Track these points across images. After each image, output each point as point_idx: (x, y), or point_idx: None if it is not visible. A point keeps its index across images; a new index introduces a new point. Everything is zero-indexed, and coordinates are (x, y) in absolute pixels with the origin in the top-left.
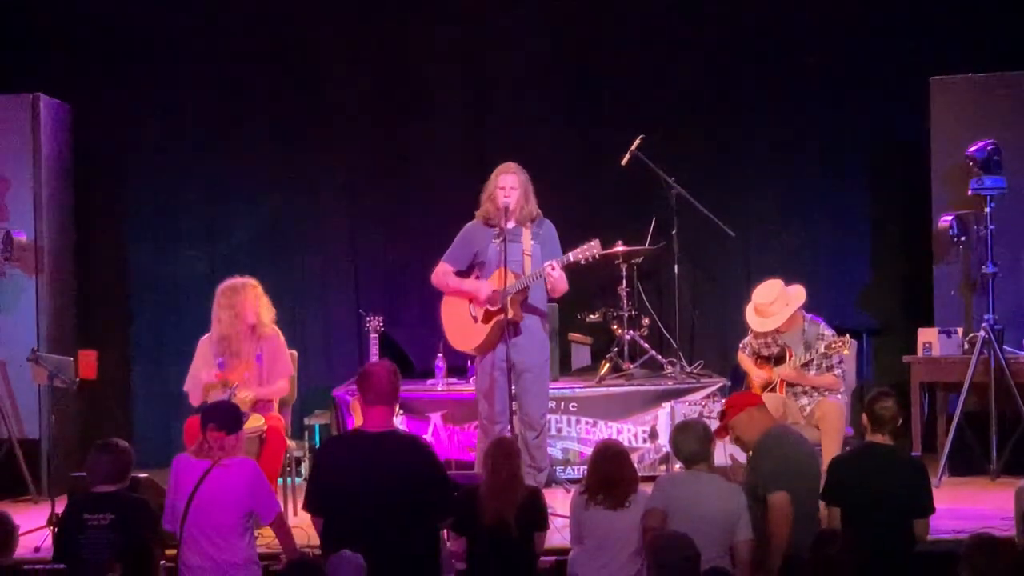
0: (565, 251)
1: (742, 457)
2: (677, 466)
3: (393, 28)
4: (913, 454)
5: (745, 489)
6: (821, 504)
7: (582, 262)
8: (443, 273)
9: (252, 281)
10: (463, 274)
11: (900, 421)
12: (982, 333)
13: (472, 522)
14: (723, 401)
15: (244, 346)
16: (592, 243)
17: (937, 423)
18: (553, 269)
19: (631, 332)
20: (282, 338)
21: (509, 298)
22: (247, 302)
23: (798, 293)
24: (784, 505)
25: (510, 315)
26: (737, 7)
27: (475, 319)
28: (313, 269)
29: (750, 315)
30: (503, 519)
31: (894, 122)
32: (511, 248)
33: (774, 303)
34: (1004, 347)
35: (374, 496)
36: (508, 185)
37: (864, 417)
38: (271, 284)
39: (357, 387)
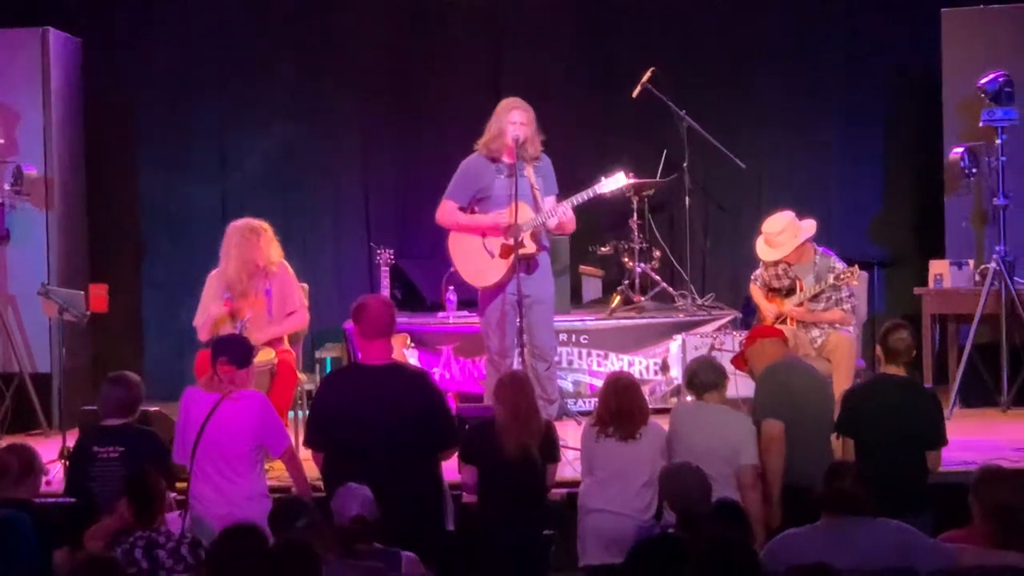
0: (570, 185)
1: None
2: (688, 398)
3: None
4: (925, 386)
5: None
6: (833, 436)
7: (607, 195)
8: (450, 211)
9: (263, 225)
10: (463, 211)
11: (914, 353)
12: (993, 265)
13: (487, 453)
14: (739, 333)
15: (252, 285)
16: (617, 175)
17: (948, 355)
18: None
19: (642, 265)
20: (291, 272)
21: (529, 231)
22: (257, 249)
23: (808, 225)
24: (773, 432)
25: (533, 249)
26: None
27: (491, 254)
28: (324, 201)
29: (759, 244)
30: (528, 451)
31: (906, 54)
32: (520, 182)
33: (782, 233)
34: (1015, 278)
35: (375, 430)
36: (520, 120)
37: (878, 349)
38: (282, 216)
39: (354, 321)
